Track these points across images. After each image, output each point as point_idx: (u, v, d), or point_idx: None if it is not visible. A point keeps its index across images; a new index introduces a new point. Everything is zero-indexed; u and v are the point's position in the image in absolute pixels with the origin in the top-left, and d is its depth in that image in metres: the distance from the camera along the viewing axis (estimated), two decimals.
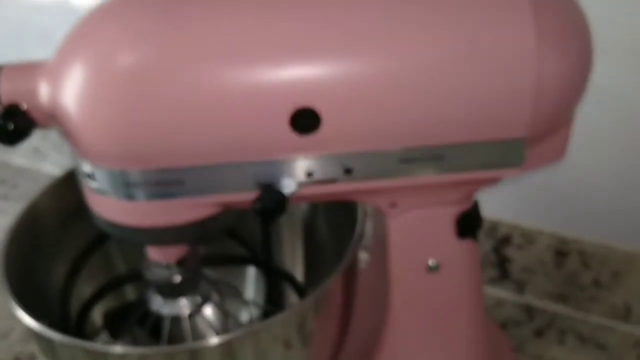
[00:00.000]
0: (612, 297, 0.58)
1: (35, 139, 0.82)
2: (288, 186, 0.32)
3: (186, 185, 0.31)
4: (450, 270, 0.39)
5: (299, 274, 0.49)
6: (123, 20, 0.30)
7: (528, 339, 0.58)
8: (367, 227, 0.40)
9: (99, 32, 0.30)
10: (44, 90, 0.31)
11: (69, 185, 0.40)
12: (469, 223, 0.37)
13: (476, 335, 0.43)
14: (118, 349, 0.32)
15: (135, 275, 0.43)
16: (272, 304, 0.48)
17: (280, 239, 0.49)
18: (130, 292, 0.46)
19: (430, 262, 0.38)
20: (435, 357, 0.42)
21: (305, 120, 0.30)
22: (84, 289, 0.44)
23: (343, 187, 0.33)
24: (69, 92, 0.30)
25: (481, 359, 0.44)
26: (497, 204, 0.59)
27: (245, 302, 0.48)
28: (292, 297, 0.49)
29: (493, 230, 0.60)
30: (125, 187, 0.31)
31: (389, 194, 0.35)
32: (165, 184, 0.31)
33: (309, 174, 0.32)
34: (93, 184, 0.32)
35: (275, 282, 0.48)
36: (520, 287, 0.61)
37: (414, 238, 0.37)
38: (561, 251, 0.58)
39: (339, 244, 0.39)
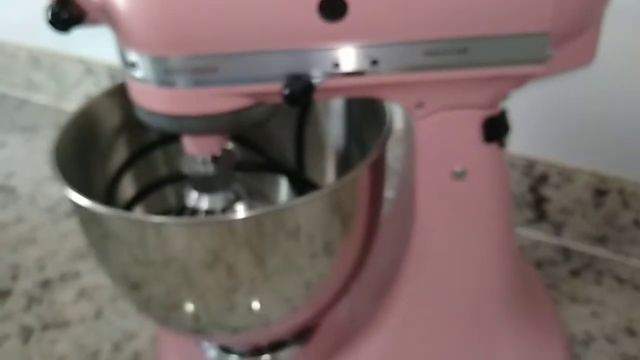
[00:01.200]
0: None
1: (88, 86, 0.87)
2: (315, 76, 0.34)
3: (220, 73, 0.34)
4: (477, 178, 0.39)
5: None
6: None
7: (563, 278, 0.58)
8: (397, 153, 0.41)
9: None
10: None
11: (123, 95, 0.43)
12: (495, 126, 0.38)
13: (505, 251, 0.43)
14: (156, 218, 0.34)
15: (177, 177, 0.45)
16: None
17: (312, 156, 0.50)
18: (172, 198, 0.49)
19: (457, 168, 0.39)
20: (462, 270, 0.43)
21: (332, 7, 0.32)
22: (128, 193, 0.46)
23: (370, 80, 0.34)
24: None
25: (509, 274, 0.44)
26: (534, 141, 0.58)
27: None
28: None
29: (530, 168, 0.59)
30: (165, 74, 0.34)
31: (415, 91, 0.36)
32: (201, 71, 0.33)
33: (336, 65, 0.34)
34: (136, 73, 0.35)
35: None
36: (557, 229, 0.61)
37: (441, 141, 0.38)
38: (600, 190, 0.57)
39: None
